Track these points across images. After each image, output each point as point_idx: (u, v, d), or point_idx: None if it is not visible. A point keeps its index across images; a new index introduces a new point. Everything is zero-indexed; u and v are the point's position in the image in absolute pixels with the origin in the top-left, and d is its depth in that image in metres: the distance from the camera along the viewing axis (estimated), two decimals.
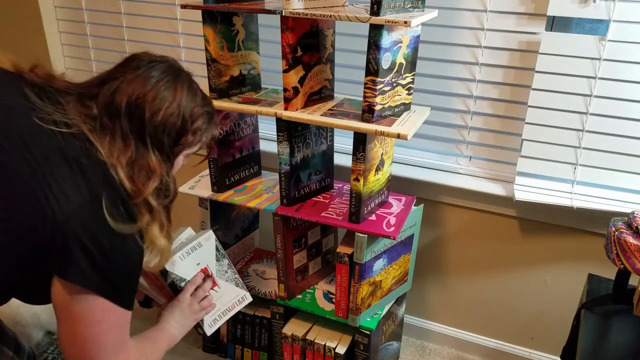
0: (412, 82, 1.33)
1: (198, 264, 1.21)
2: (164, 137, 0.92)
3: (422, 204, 1.49)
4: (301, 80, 1.28)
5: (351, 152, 1.26)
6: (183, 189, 1.51)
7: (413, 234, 1.48)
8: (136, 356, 0.97)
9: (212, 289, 1.23)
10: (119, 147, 0.87)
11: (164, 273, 1.15)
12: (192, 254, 1.20)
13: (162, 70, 0.94)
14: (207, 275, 1.23)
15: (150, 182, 0.89)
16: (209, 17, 1.30)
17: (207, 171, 1.56)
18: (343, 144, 1.67)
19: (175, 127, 0.94)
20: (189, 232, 1.24)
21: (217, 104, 1.36)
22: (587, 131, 1.39)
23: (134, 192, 0.87)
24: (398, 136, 1.19)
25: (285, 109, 1.29)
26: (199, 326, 1.23)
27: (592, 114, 1.37)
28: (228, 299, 1.29)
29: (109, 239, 0.82)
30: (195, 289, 1.19)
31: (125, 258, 0.87)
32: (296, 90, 1.28)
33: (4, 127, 0.81)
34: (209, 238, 1.24)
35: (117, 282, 0.86)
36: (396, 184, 1.58)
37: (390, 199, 1.49)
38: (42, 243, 0.78)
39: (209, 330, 1.25)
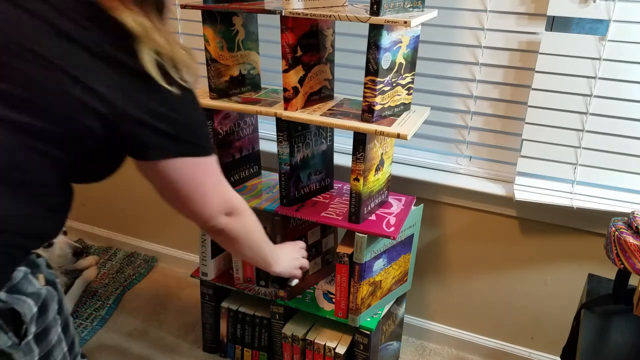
0: (412, 82, 1.33)
1: None
2: None
3: (422, 204, 1.49)
4: (301, 80, 1.28)
5: (351, 152, 1.26)
6: None
7: (413, 234, 1.48)
8: (244, 208, 1.02)
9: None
10: None
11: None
12: None
13: None
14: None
15: None
16: (208, 17, 1.30)
17: None
18: (343, 144, 1.67)
19: None
20: None
21: (217, 104, 1.36)
22: (587, 131, 1.39)
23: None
24: (398, 136, 1.19)
25: (285, 109, 1.29)
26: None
27: (592, 114, 1.37)
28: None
29: (166, 104, 0.81)
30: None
31: (188, 111, 0.86)
32: (296, 90, 1.28)
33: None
34: None
35: (191, 138, 0.87)
36: (396, 184, 1.58)
37: (390, 199, 1.49)
38: (105, 140, 0.79)
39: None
